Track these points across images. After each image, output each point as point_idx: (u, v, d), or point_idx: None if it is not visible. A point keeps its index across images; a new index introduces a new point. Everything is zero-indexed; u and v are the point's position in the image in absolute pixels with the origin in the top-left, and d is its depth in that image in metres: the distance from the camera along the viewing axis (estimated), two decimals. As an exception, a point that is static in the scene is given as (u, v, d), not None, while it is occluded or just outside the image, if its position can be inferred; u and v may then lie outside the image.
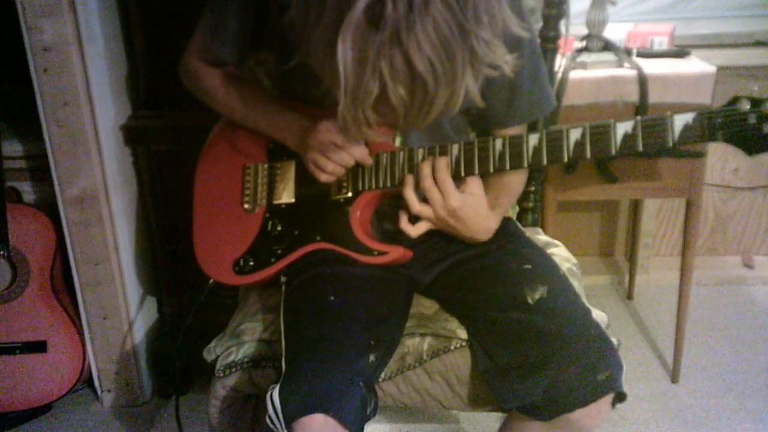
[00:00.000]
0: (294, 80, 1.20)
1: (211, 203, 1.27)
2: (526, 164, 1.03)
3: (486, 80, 1.11)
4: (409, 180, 1.08)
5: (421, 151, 1.09)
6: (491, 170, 1.05)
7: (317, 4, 0.81)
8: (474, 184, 1.08)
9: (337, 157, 1.10)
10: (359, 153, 1.10)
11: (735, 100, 0.93)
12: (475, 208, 1.09)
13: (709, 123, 0.93)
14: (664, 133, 0.95)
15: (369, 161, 1.12)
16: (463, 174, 1.07)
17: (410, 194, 1.08)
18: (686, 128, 0.94)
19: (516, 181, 1.22)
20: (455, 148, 1.07)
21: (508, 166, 1.04)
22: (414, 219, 1.11)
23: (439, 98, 0.83)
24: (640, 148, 0.96)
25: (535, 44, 1.15)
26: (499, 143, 1.04)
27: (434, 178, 1.07)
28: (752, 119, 0.92)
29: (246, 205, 1.23)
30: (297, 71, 1.17)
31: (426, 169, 1.07)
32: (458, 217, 1.08)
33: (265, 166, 1.23)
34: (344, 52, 0.79)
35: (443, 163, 1.06)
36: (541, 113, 1.19)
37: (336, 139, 1.09)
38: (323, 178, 1.12)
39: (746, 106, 0.92)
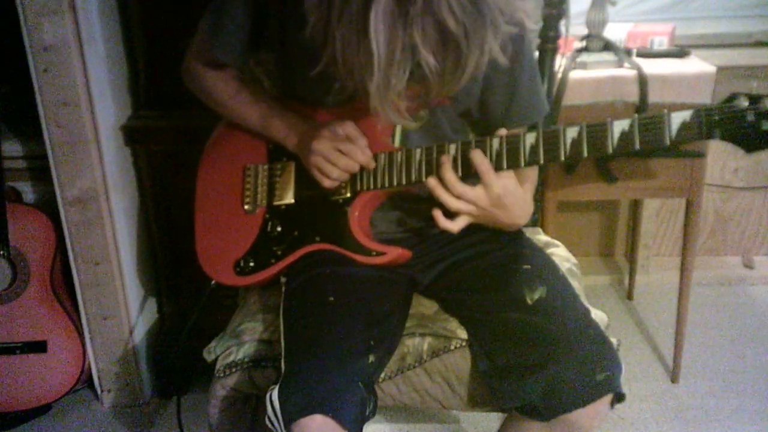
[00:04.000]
0: (295, 81, 1.20)
1: (212, 204, 1.27)
2: (523, 163, 1.03)
3: (487, 82, 1.12)
4: (435, 182, 1.05)
5: (419, 151, 1.09)
6: None
7: (340, 6, 0.83)
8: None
9: (342, 163, 1.10)
10: (364, 159, 1.11)
11: (733, 97, 0.92)
12: (514, 192, 1.06)
13: (707, 120, 0.92)
14: (661, 131, 0.94)
15: (373, 165, 1.12)
16: (460, 173, 1.06)
17: (445, 194, 1.05)
18: (683, 126, 0.93)
19: (533, 170, 1.22)
20: (452, 148, 1.07)
21: (505, 165, 1.03)
22: (449, 214, 1.07)
23: (470, 59, 0.84)
24: (637, 146, 0.95)
25: (533, 50, 1.16)
26: (496, 142, 1.04)
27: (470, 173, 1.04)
28: (750, 116, 0.90)
29: (246, 206, 1.23)
30: (298, 72, 1.17)
31: (448, 174, 1.04)
32: (502, 204, 1.05)
33: (266, 167, 1.24)
34: (376, 31, 0.81)
35: (481, 155, 1.03)
36: (538, 116, 1.19)
37: (340, 145, 1.09)
38: (327, 183, 1.12)
39: (744, 103, 0.91)
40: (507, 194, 1.05)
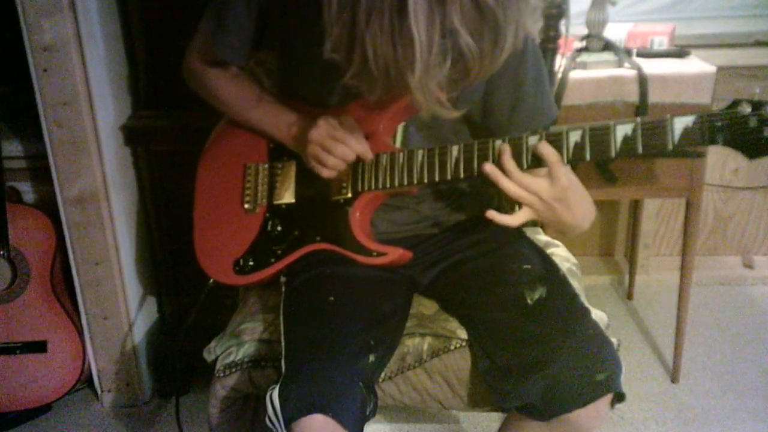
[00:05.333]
0: (297, 81, 1.20)
1: (211, 203, 1.27)
2: (525, 166, 1.01)
3: (489, 85, 1.11)
4: (492, 167, 1.00)
5: (421, 152, 1.09)
6: None
7: (367, 5, 0.84)
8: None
9: (338, 151, 1.08)
10: (360, 147, 1.09)
11: (736, 103, 0.91)
12: (578, 188, 1.02)
13: (710, 126, 0.92)
14: (664, 136, 0.94)
15: (370, 155, 1.11)
16: (462, 175, 1.06)
17: (505, 180, 0.99)
18: (686, 131, 0.93)
19: None
20: (455, 149, 1.06)
21: None
22: (505, 209, 1.05)
23: (508, 34, 0.85)
24: (640, 150, 0.95)
25: (538, 53, 1.15)
26: (498, 144, 1.03)
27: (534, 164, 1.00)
28: (753, 123, 0.90)
29: (246, 205, 1.23)
30: (300, 72, 1.17)
31: (509, 163, 0.99)
32: (567, 200, 0.99)
33: (266, 165, 1.23)
34: (416, 15, 0.81)
35: (549, 146, 0.99)
36: (544, 121, 1.17)
37: (335, 133, 1.08)
38: (325, 173, 1.11)
39: (747, 109, 0.90)
40: (573, 188, 1.00)
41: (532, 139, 1.01)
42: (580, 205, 1.02)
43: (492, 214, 1.00)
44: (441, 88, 0.90)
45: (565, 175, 0.98)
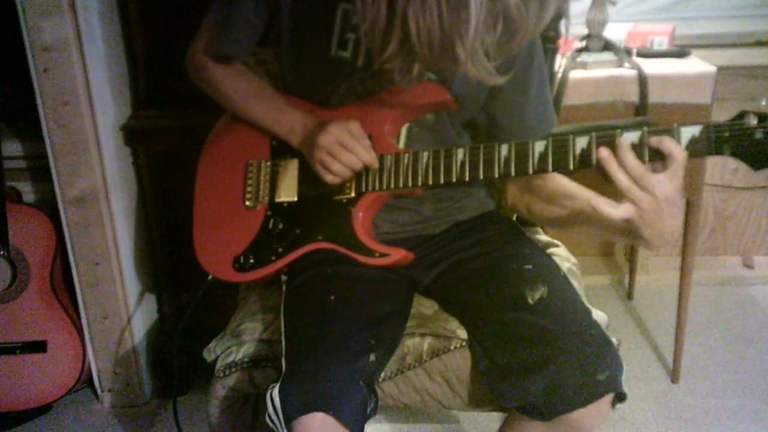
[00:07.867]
0: (301, 78, 1.19)
1: (212, 199, 1.27)
2: (531, 171, 1.01)
3: (493, 91, 1.11)
4: (609, 154, 0.94)
5: (426, 154, 1.08)
6: (496, 176, 1.03)
7: None
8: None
9: (345, 158, 1.08)
10: (367, 156, 1.09)
11: (742, 115, 0.92)
12: (681, 193, 0.95)
13: (716, 137, 0.92)
14: None
15: (376, 164, 1.11)
16: (467, 178, 1.05)
17: (621, 173, 0.93)
18: (693, 141, 0.93)
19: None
20: (460, 152, 1.06)
21: (513, 173, 1.02)
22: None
23: None
24: (647, 158, 0.94)
25: (543, 61, 1.14)
26: (504, 149, 1.02)
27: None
28: (759, 134, 0.90)
29: (248, 202, 1.22)
30: (306, 69, 1.17)
31: (629, 154, 0.93)
32: (675, 203, 0.93)
33: (268, 163, 1.23)
34: None
35: (676, 143, 0.93)
36: (546, 129, 1.17)
37: (344, 140, 1.08)
38: (329, 178, 1.11)
39: (753, 120, 0.90)
40: (681, 193, 0.94)
41: (539, 145, 1.00)
42: (682, 212, 0.97)
43: (597, 202, 0.95)
44: (487, 56, 0.87)
45: (681, 177, 0.93)
